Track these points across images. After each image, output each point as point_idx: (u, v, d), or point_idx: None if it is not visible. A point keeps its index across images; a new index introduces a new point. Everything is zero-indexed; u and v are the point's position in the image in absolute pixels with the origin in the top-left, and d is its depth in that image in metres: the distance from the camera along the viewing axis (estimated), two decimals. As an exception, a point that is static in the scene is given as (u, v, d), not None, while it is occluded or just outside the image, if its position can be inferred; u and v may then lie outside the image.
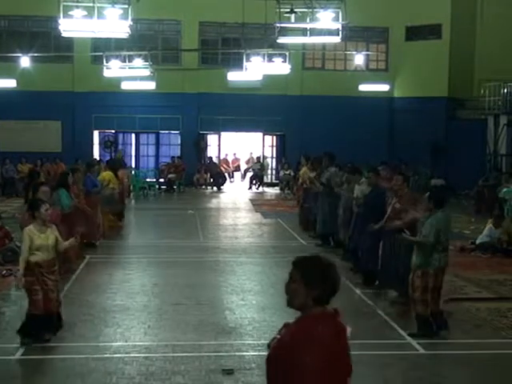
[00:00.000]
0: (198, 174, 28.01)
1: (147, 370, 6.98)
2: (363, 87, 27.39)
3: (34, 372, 7.16)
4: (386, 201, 10.16)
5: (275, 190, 27.73)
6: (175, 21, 28.05)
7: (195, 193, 26.60)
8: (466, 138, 25.24)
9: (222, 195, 26.21)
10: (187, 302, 9.68)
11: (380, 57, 29.26)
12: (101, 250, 13.74)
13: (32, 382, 6.99)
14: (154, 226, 18.32)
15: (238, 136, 30.50)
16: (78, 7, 14.86)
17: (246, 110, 27.26)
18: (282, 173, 27.58)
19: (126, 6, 14.55)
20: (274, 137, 29.97)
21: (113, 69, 22.57)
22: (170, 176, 26.89)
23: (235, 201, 24.21)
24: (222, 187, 27.78)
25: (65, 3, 14.60)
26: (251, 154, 30.07)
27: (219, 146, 30.02)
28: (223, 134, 29.79)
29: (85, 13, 14.73)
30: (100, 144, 28.89)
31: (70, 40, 24.84)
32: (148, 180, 26.86)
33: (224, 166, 29.57)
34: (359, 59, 26.62)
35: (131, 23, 14.46)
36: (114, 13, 14.21)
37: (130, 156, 29.55)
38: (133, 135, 29.51)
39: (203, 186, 28.00)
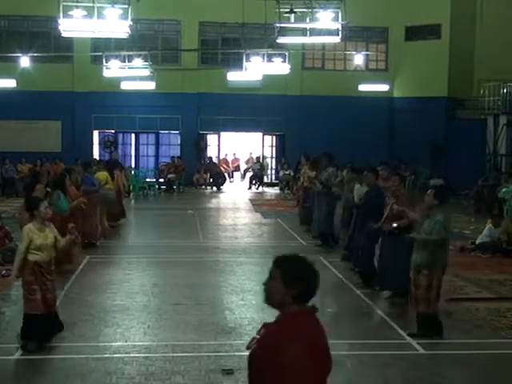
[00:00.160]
0: (197, 174, 28.01)
1: (147, 369, 6.99)
2: (363, 87, 27.39)
3: (34, 372, 7.15)
4: (385, 201, 10.16)
5: (275, 190, 27.73)
6: (175, 21, 28.05)
7: (195, 193, 26.61)
8: (466, 138, 25.25)
9: (221, 195, 26.21)
10: (187, 302, 9.69)
11: (380, 57, 29.26)
12: (101, 250, 13.75)
13: (32, 382, 6.98)
14: (154, 226, 18.32)
15: (237, 136, 30.49)
16: (77, 7, 14.86)
17: (245, 110, 27.26)
18: (281, 173, 27.58)
19: (126, 6, 14.55)
20: (274, 137, 29.97)
21: (113, 69, 22.57)
22: (169, 176, 26.90)
23: (235, 201, 24.21)
24: (221, 187, 27.78)
25: (65, 3, 14.59)
26: (251, 154, 30.07)
27: (219, 145, 30.02)
28: (223, 133, 29.79)
29: (85, 13, 14.73)
30: (100, 144, 28.90)
31: (69, 40, 24.84)
32: (148, 180, 26.85)
33: (224, 166, 29.57)
34: (359, 59, 26.62)
35: (131, 23, 14.45)
36: (113, 13, 14.21)
37: (130, 156, 29.58)
38: (132, 135, 29.51)
39: (203, 186, 28.00)
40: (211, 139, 29.91)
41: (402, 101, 28.33)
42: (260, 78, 24.23)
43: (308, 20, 16.58)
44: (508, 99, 25.16)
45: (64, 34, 15.23)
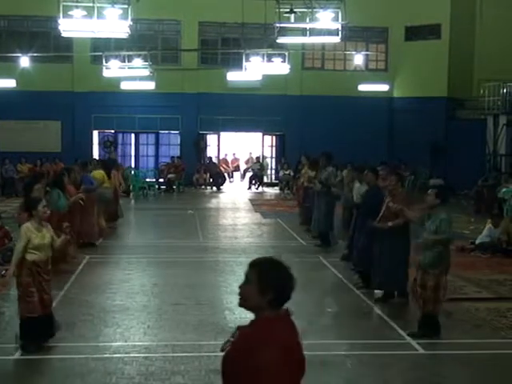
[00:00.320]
0: (197, 174, 28.01)
1: (147, 370, 6.98)
2: (363, 87, 27.40)
3: (34, 372, 7.15)
4: (383, 200, 10.17)
5: (275, 190, 27.73)
6: (175, 21, 28.05)
7: (195, 193, 26.61)
8: (466, 138, 25.25)
9: (221, 195, 26.21)
10: (187, 302, 9.68)
11: (379, 57, 29.27)
12: (100, 250, 13.75)
13: (31, 382, 6.98)
14: (154, 226, 18.31)
15: (237, 136, 30.50)
16: (77, 7, 14.87)
17: (245, 110, 27.26)
18: (281, 173, 27.59)
19: (126, 6, 14.56)
20: (274, 137, 29.97)
21: (112, 69, 22.57)
22: (169, 176, 26.89)
23: (235, 201, 24.21)
24: (221, 187, 27.78)
25: (64, 3, 14.60)
26: (251, 153, 30.07)
27: (219, 145, 30.02)
28: (223, 133, 29.79)
29: (84, 13, 14.74)
30: (100, 144, 28.90)
31: (69, 40, 24.85)
32: (148, 180, 26.83)
33: (223, 165, 29.57)
34: (359, 59, 26.63)
35: (131, 23, 14.46)
36: (113, 13, 14.22)
37: (130, 156, 29.59)
38: (132, 135, 29.51)
39: (203, 186, 28.00)
40: (211, 139, 29.91)
41: (401, 101, 28.34)
42: (260, 78, 24.23)
43: (308, 20, 16.58)
44: (508, 99, 25.16)
45: (64, 34, 15.24)
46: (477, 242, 14.13)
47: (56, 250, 7.84)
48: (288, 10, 17.07)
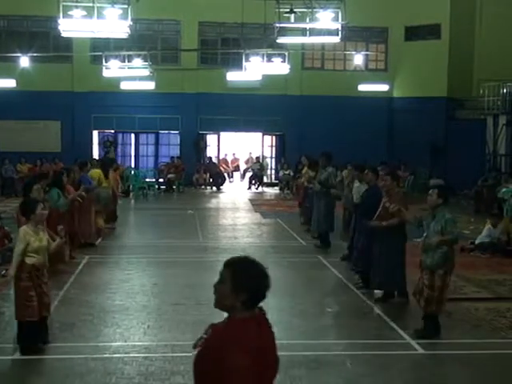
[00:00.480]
0: (197, 174, 28.01)
1: (147, 370, 6.98)
2: (362, 87, 27.40)
3: (33, 372, 7.14)
4: (381, 200, 10.19)
5: (274, 190, 27.73)
6: (175, 21, 28.04)
7: (194, 193, 26.60)
8: (466, 138, 25.24)
9: (221, 195, 26.21)
10: (187, 302, 9.68)
11: (379, 57, 29.26)
12: (100, 250, 13.75)
13: (31, 382, 6.97)
14: (154, 226, 18.30)
15: (237, 136, 30.49)
16: (77, 7, 14.87)
17: (245, 110, 27.26)
18: (281, 173, 27.59)
19: (126, 6, 14.56)
20: (274, 137, 29.96)
21: (112, 69, 22.57)
22: (169, 176, 26.90)
23: (234, 201, 24.21)
24: (221, 187, 27.78)
25: (64, 3, 14.60)
26: (250, 153, 30.07)
27: (218, 145, 30.02)
28: (222, 133, 29.79)
29: (84, 13, 14.74)
30: (99, 144, 28.88)
31: (69, 40, 24.84)
32: (147, 180, 26.83)
33: (223, 165, 29.57)
34: (358, 59, 26.63)
35: (131, 23, 14.46)
36: (113, 13, 14.22)
37: (130, 156, 29.58)
38: (132, 135, 29.50)
39: (202, 186, 28.00)
40: (211, 139, 29.91)
41: (401, 101, 28.34)
42: (259, 78, 24.23)
43: (308, 20, 16.58)
44: (507, 99, 25.14)
45: (64, 34, 15.24)
46: (476, 242, 14.13)
47: (51, 252, 7.82)
48: (288, 10, 17.08)
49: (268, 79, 25.26)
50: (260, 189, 28.05)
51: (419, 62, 27.53)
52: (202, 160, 28.97)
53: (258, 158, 29.20)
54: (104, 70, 22.78)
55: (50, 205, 10.56)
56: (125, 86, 24.79)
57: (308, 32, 16.89)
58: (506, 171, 23.76)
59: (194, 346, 3.31)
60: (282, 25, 17.22)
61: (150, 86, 24.47)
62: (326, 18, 16.17)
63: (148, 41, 27.07)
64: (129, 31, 14.51)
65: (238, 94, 26.79)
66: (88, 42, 26.02)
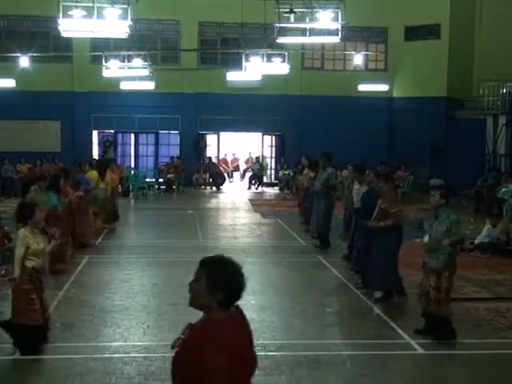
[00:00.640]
0: (197, 174, 28.01)
1: (146, 370, 6.99)
2: (362, 87, 27.40)
3: (33, 372, 7.14)
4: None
5: (274, 190, 27.73)
6: (174, 21, 28.04)
7: (194, 193, 26.60)
8: (465, 138, 25.24)
9: (221, 195, 26.20)
10: (186, 302, 9.54)
11: (379, 57, 29.26)
12: (100, 249, 13.75)
13: (31, 382, 6.98)
14: (154, 226, 18.30)
15: (237, 136, 30.49)
16: (77, 7, 14.86)
17: (245, 110, 27.26)
18: (281, 173, 27.59)
19: (126, 6, 14.55)
20: (273, 137, 29.95)
21: (112, 69, 22.56)
22: (169, 176, 26.89)
23: (234, 201, 24.21)
24: (221, 187, 27.78)
25: (64, 3, 14.59)
26: (250, 153, 30.06)
27: (218, 145, 30.01)
28: (222, 133, 29.78)
29: (84, 13, 14.73)
30: (99, 144, 28.87)
31: (69, 40, 24.84)
32: (147, 180, 26.82)
33: (223, 166, 29.56)
34: (358, 59, 26.62)
35: (130, 23, 14.45)
36: (113, 13, 14.21)
37: (130, 156, 29.58)
38: (132, 135, 29.49)
39: (202, 186, 28.00)
40: (211, 139, 29.90)
41: (401, 101, 28.33)
42: (259, 78, 24.23)
43: (308, 20, 16.57)
44: (507, 99, 25.14)
45: (63, 34, 15.22)
46: (476, 241, 14.14)
47: (51, 252, 7.83)
48: (288, 10, 17.06)
49: (268, 79, 25.26)
50: (260, 189, 28.05)
51: (419, 62, 27.53)
52: (201, 160, 28.97)
53: (257, 158, 29.20)
54: (104, 70, 22.77)
55: (48, 206, 10.58)
56: (125, 85, 24.79)
57: (308, 32, 16.88)
58: (506, 171, 23.77)
59: (172, 347, 3.30)
60: (281, 25, 17.21)
61: (149, 85, 24.47)
62: (326, 18, 16.16)
63: (148, 41, 27.07)
64: (129, 31, 14.50)
65: (237, 94, 26.79)
66: (88, 42, 26.01)
